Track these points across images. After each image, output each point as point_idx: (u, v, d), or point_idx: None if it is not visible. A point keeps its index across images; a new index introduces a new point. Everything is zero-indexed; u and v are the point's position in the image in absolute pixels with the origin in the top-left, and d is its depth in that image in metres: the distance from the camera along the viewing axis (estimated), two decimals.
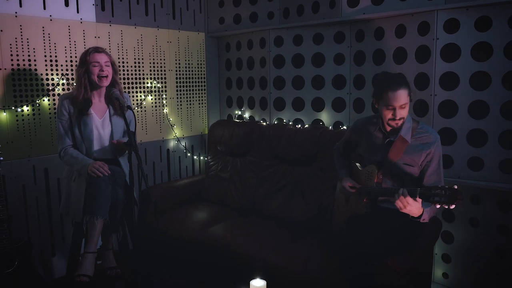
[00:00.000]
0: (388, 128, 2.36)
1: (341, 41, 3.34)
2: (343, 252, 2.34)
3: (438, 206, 1.92)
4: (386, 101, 2.25)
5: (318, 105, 3.52)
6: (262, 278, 2.00)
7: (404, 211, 2.09)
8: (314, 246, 2.63)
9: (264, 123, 3.72)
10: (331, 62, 3.40)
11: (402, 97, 2.22)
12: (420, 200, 2.06)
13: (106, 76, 2.69)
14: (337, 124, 3.43)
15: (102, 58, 2.68)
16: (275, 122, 3.74)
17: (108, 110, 2.80)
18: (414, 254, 2.31)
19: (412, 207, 2.06)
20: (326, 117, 3.49)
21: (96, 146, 2.74)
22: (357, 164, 2.54)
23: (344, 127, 3.31)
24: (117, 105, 2.74)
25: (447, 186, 1.92)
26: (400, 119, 2.27)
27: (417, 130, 2.34)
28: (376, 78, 2.36)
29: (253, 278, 2.00)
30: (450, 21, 2.70)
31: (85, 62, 2.67)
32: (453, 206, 1.89)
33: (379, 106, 2.34)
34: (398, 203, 2.07)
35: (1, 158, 2.60)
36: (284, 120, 3.70)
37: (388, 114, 2.29)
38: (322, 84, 3.47)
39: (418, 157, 2.31)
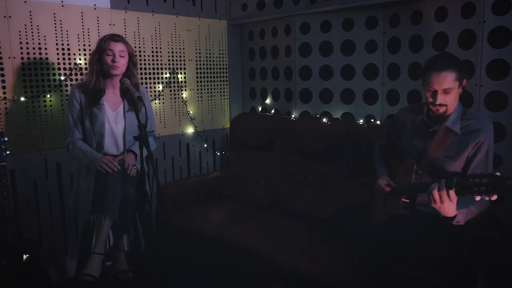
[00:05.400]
0: (431, 114, 2.14)
1: (373, 26, 3.20)
2: (367, 271, 2.14)
3: (478, 197, 1.67)
4: (429, 82, 2.05)
5: (348, 97, 3.39)
6: (285, 284, 1.85)
7: (438, 207, 1.85)
8: (341, 250, 2.49)
9: (289, 116, 3.66)
10: (362, 50, 3.27)
11: (446, 80, 2.00)
12: (455, 198, 1.80)
13: (118, 67, 2.58)
14: (368, 118, 3.28)
15: (117, 47, 2.58)
16: (301, 115, 3.66)
17: (122, 104, 2.69)
18: (455, 266, 2.09)
19: (451, 203, 1.81)
20: (356, 110, 3.35)
21: (107, 141, 2.65)
22: (397, 160, 2.35)
23: (378, 122, 3.16)
24: (131, 98, 2.63)
25: (487, 173, 1.67)
26: (440, 105, 2.04)
27: (465, 118, 2.11)
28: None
29: (274, 282, 1.84)
30: (499, 1, 2.45)
31: (100, 49, 2.59)
32: (494, 197, 1.64)
33: (424, 88, 2.14)
34: (435, 195, 1.81)
35: (8, 152, 2.48)
36: (311, 113, 3.61)
37: (429, 98, 2.08)
38: (352, 74, 3.33)
39: (464, 149, 2.07)
